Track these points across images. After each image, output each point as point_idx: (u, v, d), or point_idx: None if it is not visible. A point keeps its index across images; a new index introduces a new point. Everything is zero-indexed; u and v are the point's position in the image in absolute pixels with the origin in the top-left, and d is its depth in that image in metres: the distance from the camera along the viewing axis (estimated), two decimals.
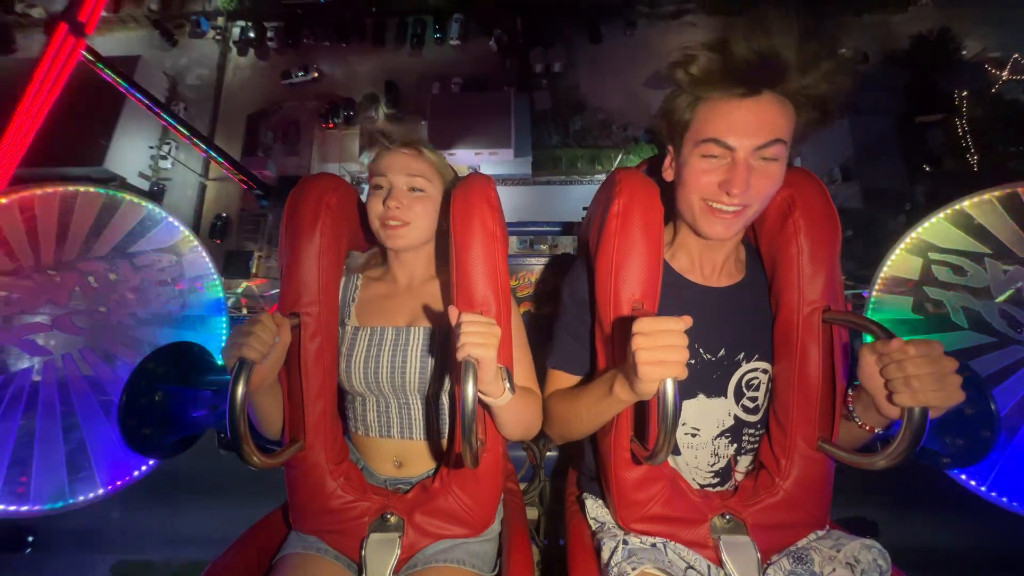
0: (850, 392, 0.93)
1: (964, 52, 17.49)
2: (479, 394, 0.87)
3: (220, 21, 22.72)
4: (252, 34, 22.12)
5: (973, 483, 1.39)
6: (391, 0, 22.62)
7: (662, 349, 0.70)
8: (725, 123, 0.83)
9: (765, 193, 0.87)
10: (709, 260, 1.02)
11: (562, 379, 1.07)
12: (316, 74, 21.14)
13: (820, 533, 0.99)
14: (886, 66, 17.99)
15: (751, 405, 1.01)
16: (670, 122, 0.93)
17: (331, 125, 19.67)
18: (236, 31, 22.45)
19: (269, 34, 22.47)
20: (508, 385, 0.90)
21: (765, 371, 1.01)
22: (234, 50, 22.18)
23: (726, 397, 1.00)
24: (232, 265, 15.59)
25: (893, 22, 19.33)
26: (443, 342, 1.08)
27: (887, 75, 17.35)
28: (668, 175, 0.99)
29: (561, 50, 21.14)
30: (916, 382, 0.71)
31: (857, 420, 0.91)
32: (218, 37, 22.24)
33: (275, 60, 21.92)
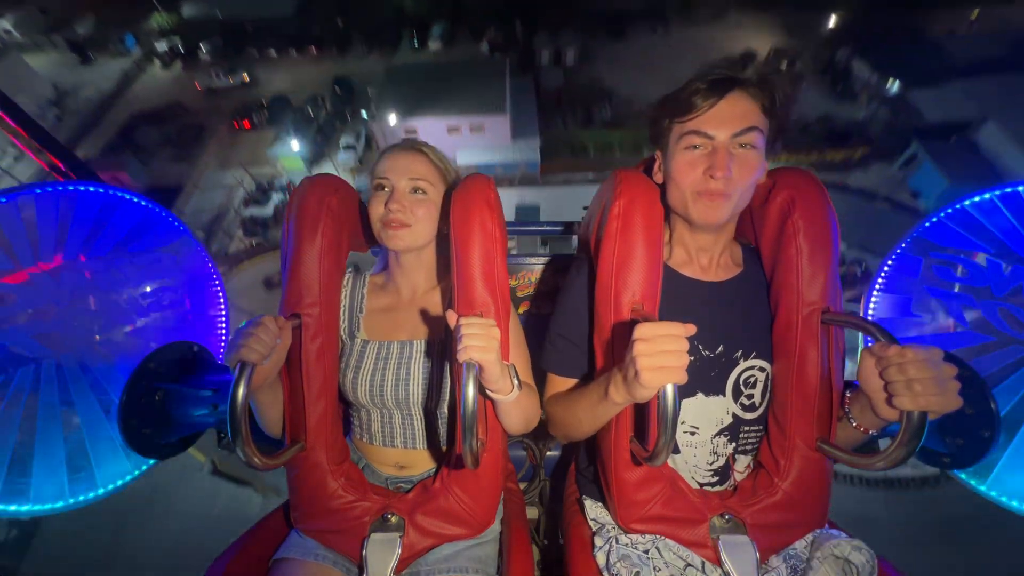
0: (848, 394, 0.93)
1: None
2: (488, 390, 0.88)
3: (151, 40, 21.16)
4: (181, 48, 20.50)
5: (973, 483, 1.39)
6: (361, 11, 20.64)
7: (663, 355, 0.70)
8: (704, 117, 0.92)
9: (747, 179, 0.92)
10: (705, 254, 1.04)
11: (561, 382, 1.08)
12: (245, 78, 19.23)
13: (819, 533, 0.99)
14: None
15: (748, 403, 1.02)
16: (657, 128, 1.02)
17: (246, 124, 17.46)
18: (163, 45, 20.81)
19: (203, 47, 20.67)
20: (516, 382, 0.91)
21: (762, 369, 1.01)
22: (156, 64, 20.55)
23: (724, 395, 1.01)
24: None
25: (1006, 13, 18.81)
26: (443, 352, 1.08)
27: None
28: (659, 177, 1.04)
29: (572, 37, 18.52)
30: (918, 385, 0.72)
31: (852, 422, 0.92)
32: (138, 56, 20.66)
33: (205, 71, 20.12)
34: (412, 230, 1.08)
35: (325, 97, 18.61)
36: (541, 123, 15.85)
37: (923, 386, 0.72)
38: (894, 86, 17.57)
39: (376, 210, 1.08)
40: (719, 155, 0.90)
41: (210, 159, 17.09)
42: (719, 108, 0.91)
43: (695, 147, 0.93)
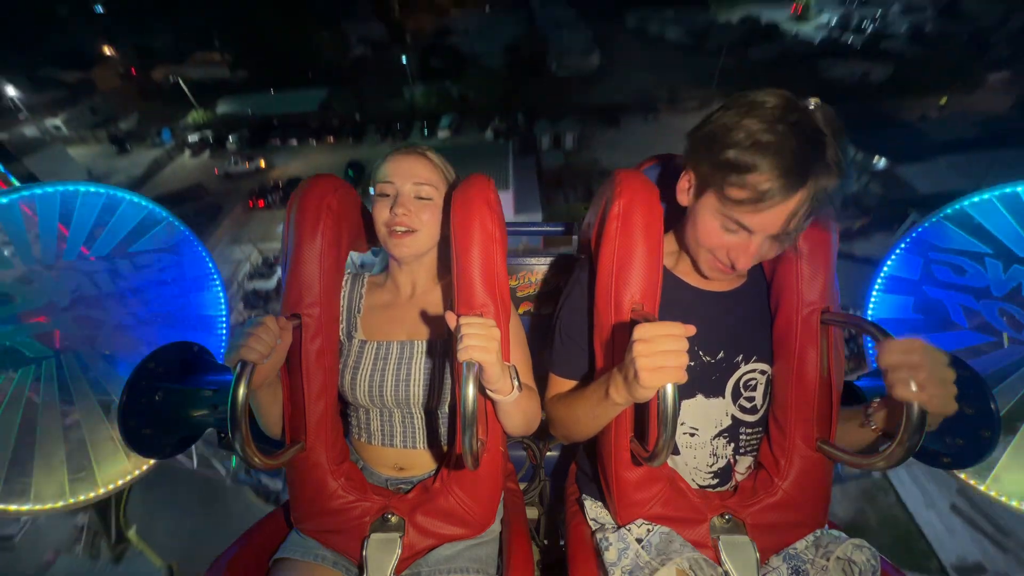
0: (875, 401, 0.91)
1: None
2: (488, 390, 0.88)
3: (185, 133, 23.27)
4: (211, 139, 22.57)
5: (973, 483, 1.39)
6: (377, 107, 23.37)
7: (662, 355, 0.70)
8: (757, 215, 0.80)
9: (768, 257, 0.90)
10: None
11: (562, 383, 1.08)
12: (261, 164, 20.74)
13: (819, 533, 0.99)
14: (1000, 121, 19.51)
15: (748, 405, 1.02)
16: (708, 153, 0.83)
17: (260, 203, 18.68)
18: (195, 137, 22.79)
19: (231, 138, 22.57)
20: (516, 383, 0.91)
21: (763, 372, 1.01)
22: (187, 153, 22.30)
23: (724, 397, 1.01)
24: None
25: (969, 101, 21.23)
26: (443, 352, 1.08)
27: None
28: (683, 199, 0.93)
29: (573, 123, 20.73)
30: (922, 374, 0.71)
31: (873, 425, 0.89)
32: (171, 147, 22.56)
33: (227, 158, 21.75)
34: (418, 236, 1.08)
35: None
36: (544, 198, 17.18)
37: (925, 379, 0.70)
38: (880, 162, 18.55)
39: (381, 215, 1.07)
40: (750, 250, 0.85)
41: (223, 235, 18.12)
42: (776, 210, 0.78)
43: (731, 231, 0.85)
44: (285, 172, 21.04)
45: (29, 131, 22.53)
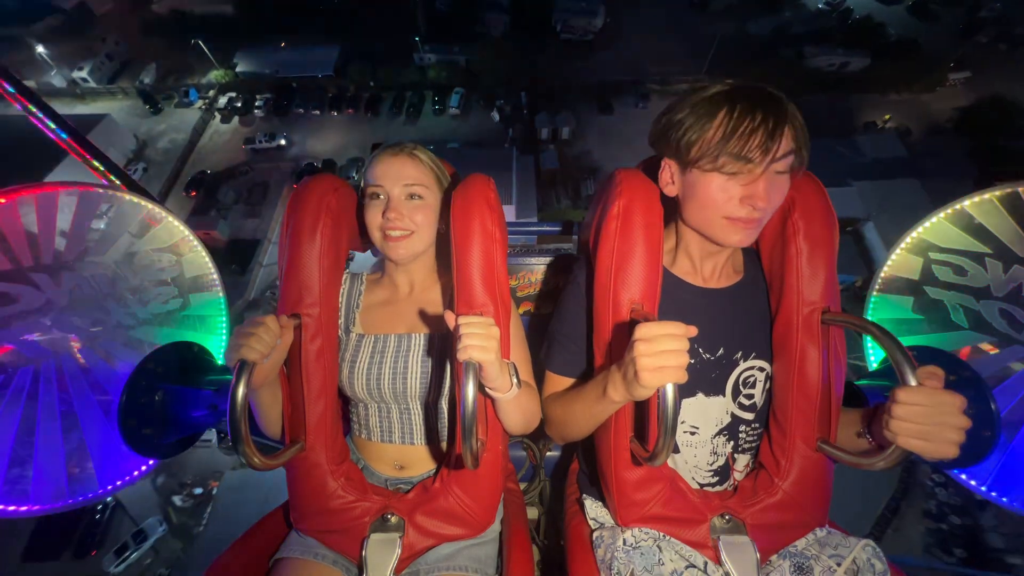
0: (876, 413, 0.90)
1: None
2: (487, 388, 0.88)
3: (211, 93, 24.07)
4: (239, 103, 23.37)
5: (973, 483, 1.39)
6: (390, 76, 24.15)
7: (663, 355, 0.70)
8: (742, 142, 0.82)
9: (778, 203, 0.88)
10: (710, 264, 1.02)
11: (560, 382, 1.08)
12: (283, 141, 21.87)
13: (819, 533, 0.99)
14: (934, 136, 20.47)
15: (748, 403, 1.02)
16: (674, 141, 0.89)
17: None
18: (223, 100, 23.64)
19: (258, 103, 23.37)
20: (516, 380, 0.91)
21: (762, 369, 1.01)
22: (218, 117, 23.17)
23: (724, 396, 1.01)
24: None
25: (923, 100, 22.03)
26: (442, 347, 1.08)
27: (940, 144, 19.78)
28: (670, 191, 0.95)
29: (569, 116, 21.75)
30: (927, 427, 0.71)
31: (868, 438, 0.90)
32: (203, 107, 23.42)
33: (259, 127, 22.72)
34: (412, 239, 1.07)
35: (364, 159, 21.23)
36: (540, 200, 18.48)
37: (930, 432, 0.71)
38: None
39: (374, 219, 1.07)
40: (760, 183, 0.83)
41: (278, 215, 19.06)
42: (762, 133, 0.81)
43: (732, 174, 0.85)
44: (312, 149, 21.95)
45: (57, 82, 23.77)
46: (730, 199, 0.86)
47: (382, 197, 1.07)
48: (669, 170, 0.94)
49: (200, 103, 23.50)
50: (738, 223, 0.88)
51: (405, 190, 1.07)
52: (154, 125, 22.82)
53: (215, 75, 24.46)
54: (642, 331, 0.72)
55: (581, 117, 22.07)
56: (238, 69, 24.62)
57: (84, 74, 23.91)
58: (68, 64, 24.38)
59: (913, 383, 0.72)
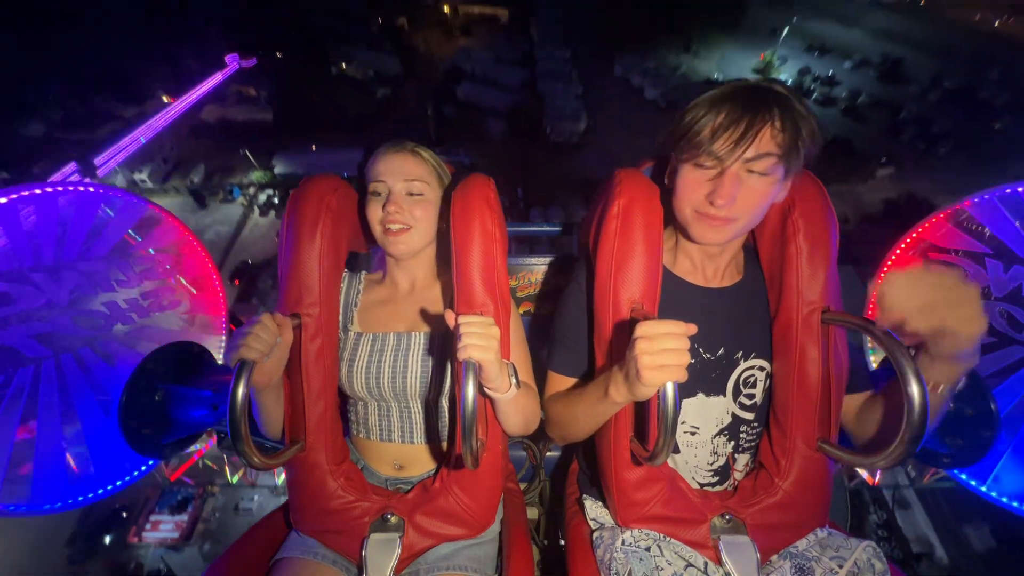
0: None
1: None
2: (486, 388, 0.88)
3: (251, 190, 26.93)
4: (276, 199, 25.93)
5: (973, 483, 1.39)
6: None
7: (664, 353, 0.70)
8: (718, 142, 0.83)
9: (753, 207, 0.87)
10: (711, 264, 1.02)
11: (561, 382, 1.08)
12: None
13: (820, 534, 0.99)
14: (869, 224, 21.89)
15: (748, 403, 1.02)
16: (674, 131, 0.92)
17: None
18: (263, 197, 26.30)
19: None
20: (514, 380, 0.91)
21: (762, 368, 1.01)
22: (257, 211, 25.69)
23: (724, 395, 1.01)
24: None
25: (857, 192, 24.31)
26: (443, 346, 1.08)
27: (874, 232, 20.68)
28: (668, 183, 0.99)
29: (559, 211, 23.14)
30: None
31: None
32: (244, 203, 26.16)
33: None
34: (412, 233, 1.07)
35: None
36: None
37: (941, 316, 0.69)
38: None
39: (375, 214, 1.07)
40: (724, 181, 0.84)
41: None
42: (739, 127, 0.82)
43: (703, 167, 0.87)
44: None
45: (119, 182, 26.50)
46: (696, 192, 0.88)
47: (383, 193, 1.08)
48: (671, 162, 0.97)
49: (242, 199, 26.33)
50: (704, 219, 0.89)
51: (406, 186, 1.07)
52: (202, 219, 25.38)
53: (256, 176, 27.51)
54: (643, 329, 0.72)
55: (569, 211, 23.66)
56: (276, 170, 27.67)
57: (144, 176, 27.25)
58: (128, 166, 27.75)
59: (915, 384, 0.71)
